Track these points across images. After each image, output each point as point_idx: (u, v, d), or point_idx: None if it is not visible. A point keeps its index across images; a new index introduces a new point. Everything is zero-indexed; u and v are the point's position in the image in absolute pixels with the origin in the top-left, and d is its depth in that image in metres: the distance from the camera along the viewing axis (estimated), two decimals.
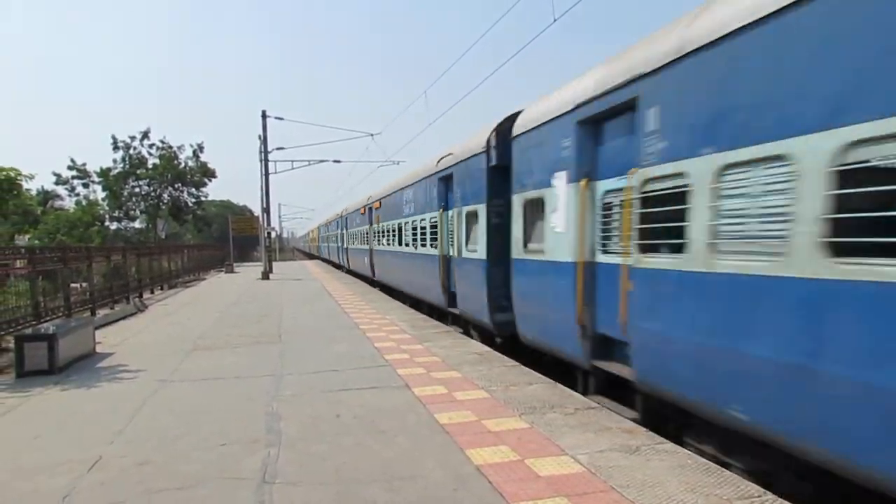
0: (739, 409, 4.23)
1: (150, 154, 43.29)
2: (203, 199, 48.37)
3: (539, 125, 7.69)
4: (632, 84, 5.56)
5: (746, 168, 4.17)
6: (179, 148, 44.36)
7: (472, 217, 10.28)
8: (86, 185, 42.47)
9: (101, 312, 14.39)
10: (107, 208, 43.17)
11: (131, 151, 42.54)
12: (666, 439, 4.86)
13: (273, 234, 37.14)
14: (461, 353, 8.63)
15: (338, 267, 37.90)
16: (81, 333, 9.32)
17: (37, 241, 32.73)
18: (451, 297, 11.88)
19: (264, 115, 28.52)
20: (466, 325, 11.39)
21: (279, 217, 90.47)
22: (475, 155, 9.98)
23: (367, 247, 23.81)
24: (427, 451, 4.75)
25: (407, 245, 15.95)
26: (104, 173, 41.93)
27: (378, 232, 21.09)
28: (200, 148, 45.37)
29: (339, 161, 33.35)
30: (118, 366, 8.52)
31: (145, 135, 42.70)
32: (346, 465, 4.48)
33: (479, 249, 9.85)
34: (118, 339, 11.01)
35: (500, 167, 9.07)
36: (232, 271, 35.33)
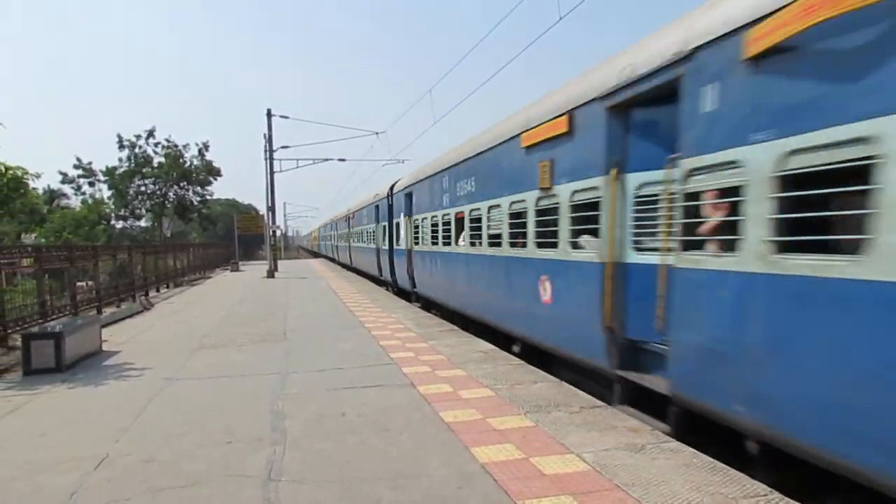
0: (441, 297, 13.31)
1: (156, 153, 43.50)
2: (208, 197, 48.55)
3: (397, 192, 18.23)
4: (410, 187, 16.04)
5: (424, 219, 14.28)
6: (185, 147, 44.55)
7: (385, 228, 20.20)
8: (91, 184, 42.72)
9: (108, 311, 14.47)
10: (112, 207, 43.39)
11: (136, 150, 42.75)
12: (671, 438, 4.85)
13: (278, 233, 37.25)
14: (466, 352, 8.63)
15: (332, 260, 46.33)
16: (88, 332, 9.36)
17: (43, 240, 32.91)
18: (380, 271, 21.92)
19: (269, 114, 28.55)
20: (387, 285, 21.28)
21: (284, 215, 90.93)
22: (383, 197, 20.28)
23: (347, 244, 34.20)
24: (432, 449, 4.75)
25: (365, 242, 26.29)
26: (110, 172, 42.12)
27: (352, 234, 31.28)
28: (206, 147, 45.55)
29: (343, 160, 33.35)
30: (124, 364, 8.56)
31: (150, 133, 42.90)
32: (350, 463, 4.49)
33: (387, 244, 19.81)
34: (124, 337, 11.06)
35: (391, 205, 19.13)
36: (237, 270, 35.43)
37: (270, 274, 27.71)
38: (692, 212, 4.88)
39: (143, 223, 46.72)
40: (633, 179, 5.87)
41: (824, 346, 3.59)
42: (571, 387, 6.57)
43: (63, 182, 42.27)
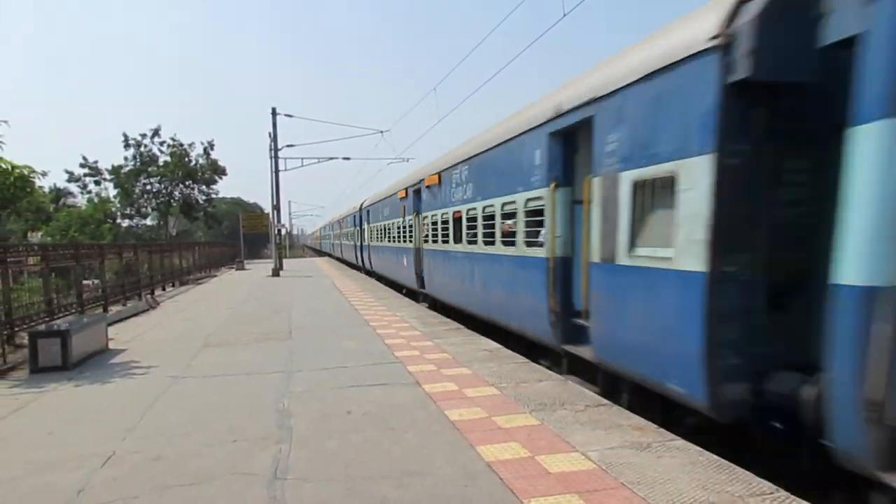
0: (381, 272, 24.20)
1: (161, 152, 43.65)
2: (213, 196, 48.67)
3: (364, 207, 28.38)
4: (368, 206, 26.88)
5: (374, 226, 25.28)
6: (190, 145, 44.68)
7: (362, 230, 29.00)
8: (97, 183, 42.91)
9: (114, 309, 14.53)
10: (118, 205, 43.57)
11: (142, 149, 42.91)
12: (677, 436, 4.84)
13: (283, 232, 37.33)
14: (471, 350, 8.63)
15: (329, 255, 56.11)
16: (94, 330, 9.40)
17: (49, 238, 33.09)
18: (356, 259, 31.67)
19: (274, 113, 28.60)
20: (359, 269, 30.47)
21: (289, 214, 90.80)
22: (357, 210, 30.34)
23: (339, 242, 44.56)
24: (437, 447, 4.75)
25: (350, 240, 35.35)
26: (116, 171, 42.32)
27: (342, 234, 41.09)
28: (211, 145, 45.68)
29: (348, 158, 33.44)
30: (130, 362, 8.60)
31: (156, 132, 43.07)
32: (356, 462, 4.49)
33: (360, 242, 30.16)
34: (130, 335, 11.11)
35: (361, 216, 29.24)
36: (242, 268, 35.51)
37: (275, 272, 27.78)
38: (423, 229, 15.21)
39: (148, 222, 46.94)
40: (421, 217, 15.25)
41: (442, 272, 13.50)
42: (576, 385, 6.57)
43: (69, 181, 42.51)
